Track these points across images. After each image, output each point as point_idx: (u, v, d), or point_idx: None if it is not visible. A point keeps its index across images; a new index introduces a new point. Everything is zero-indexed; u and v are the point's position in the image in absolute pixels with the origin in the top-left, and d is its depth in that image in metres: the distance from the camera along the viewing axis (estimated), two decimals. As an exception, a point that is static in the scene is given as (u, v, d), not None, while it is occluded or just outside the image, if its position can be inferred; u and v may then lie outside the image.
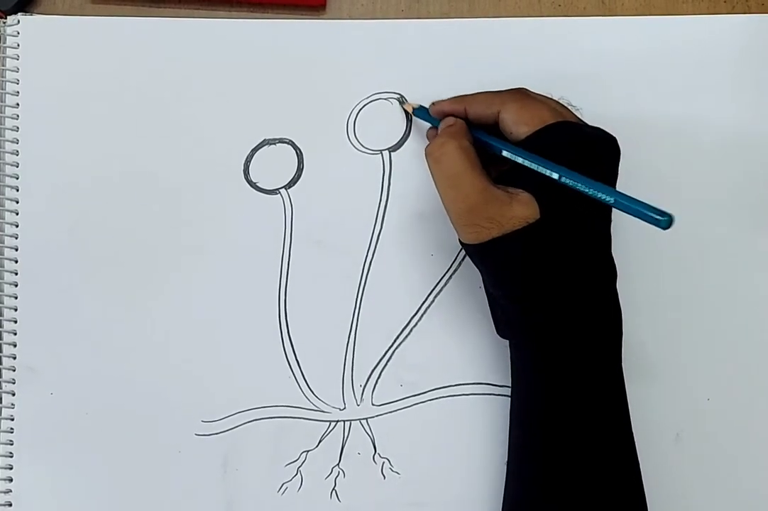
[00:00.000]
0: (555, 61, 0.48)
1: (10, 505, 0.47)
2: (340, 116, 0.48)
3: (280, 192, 0.47)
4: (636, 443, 0.43)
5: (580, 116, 0.40)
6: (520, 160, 0.38)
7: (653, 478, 0.46)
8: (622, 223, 0.47)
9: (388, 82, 0.48)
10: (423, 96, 0.47)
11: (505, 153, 0.39)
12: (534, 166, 0.37)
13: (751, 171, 0.47)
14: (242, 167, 0.47)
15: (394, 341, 0.47)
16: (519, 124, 0.39)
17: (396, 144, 0.47)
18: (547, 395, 0.39)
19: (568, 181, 0.36)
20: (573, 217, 0.37)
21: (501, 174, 0.39)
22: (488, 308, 0.42)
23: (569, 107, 0.41)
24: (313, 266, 0.47)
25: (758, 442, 0.46)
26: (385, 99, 0.48)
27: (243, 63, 0.48)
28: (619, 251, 0.47)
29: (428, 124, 0.46)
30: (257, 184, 0.47)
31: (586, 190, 0.36)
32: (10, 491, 0.47)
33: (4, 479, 0.47)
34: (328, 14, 0.49)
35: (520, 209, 0.37)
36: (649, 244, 0.47)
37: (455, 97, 0.42)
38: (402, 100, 0.47)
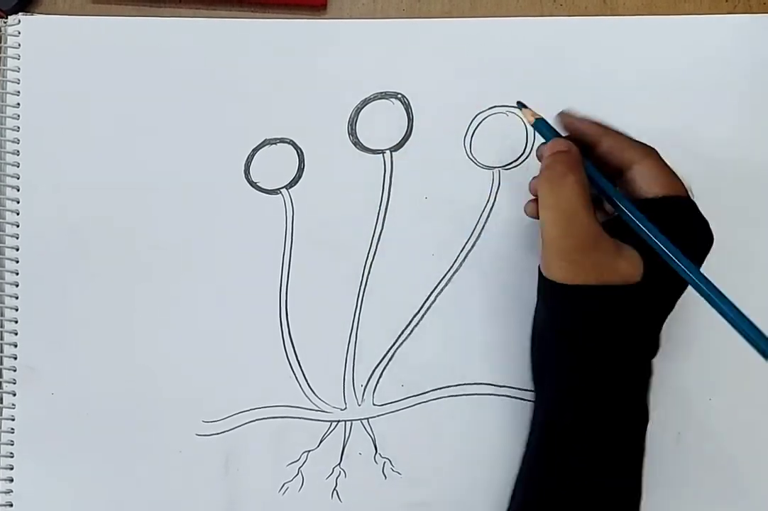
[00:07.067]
0: (556, 61, 0.47)
1: (11, 505, 0.47)
2: (341, 116, 0.48)
3: (281, 192, 0.47)
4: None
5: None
6: (634, 224, 0.36)
7: (654, 477, 0.46)
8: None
9: (389, 82, 0.48)
10: (424, 95, 0.47)
11: (621, 209, 0.37)
12: (645, 236, 0.36)
13: (752, 170, 0.47)
14: (243, 167, 0.47)
15: (395, 340, 0.47)
16: (654, 184, 0.37)
17: (397, 144, 0.47)
18: (570, 445, 0.39)
19: (679, 267, 0.35)
20: (666, 292, 0.37)
21: (607, 222, 0.38)
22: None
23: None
24: (314, 265, 0.47)
25: (760, 442, 0.46)
26: (387, 99, 0.48)
27: (244, 63, 0.48)
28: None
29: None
30: (258, 184, 0.47)
31: (695, 285, 0.34)
32: (11, 491, 0.47)
33: (5, 480, 0.47)
34: (329, 14, 0.49)
35: (625, 266, 0.36)
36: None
37: (594, 121, 0.40)
38: (522, 106, 0.42)
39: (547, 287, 0.38)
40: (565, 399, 0.39)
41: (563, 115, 0.41)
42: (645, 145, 0.40)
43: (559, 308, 0.39)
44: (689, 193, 0.39)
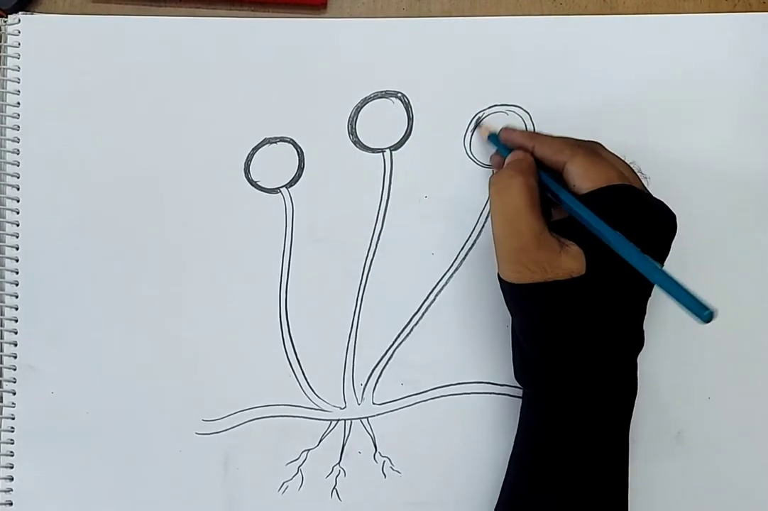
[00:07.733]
0: (556, 59, 0.47)
1: (11, 504, 0.47)
2: (341, 115, 0.48)
3: (281, 191, 0.47)
4: (638, 442, 0.43)
5: (646, 185, 0.40)
6: (581, 220, 0.37)
7: (655, 476, 0.46)
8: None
9: (389, 81, 0.47)
10: (424, 94, 0.47)
11: (567, 206, 0.38)
12: (591, 228, 0.37)
13: (752, 169, 0.47)
14: (243, 166, 0.47)
15: (395, 339, 0.47)
16: (584, 179, 0.39)
17: (397, 143, 0.47)
18: (550, 446, 0.39)
19: (620, 251, 0.36)
20: (615, 281, 0.37)
21: (556, 221, 0.40)
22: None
23: (639, 174, 0.41)
24: (314, 264, 0.47)
25: (759, 440, 0.46)
26: (387, 98, 0.48)
27: (244, 62, 0.48)
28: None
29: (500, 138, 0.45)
30: (258, 183, 0.47)
31: (634, 263, 0.36)
32: (11, 490, 0.47)
33: (5, 478, 0.47)
34: (329, 13, 0.49)
35: (568, 261, 0.37)
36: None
37: (527, 132, 0.44)
38: (479, 123, 0.47)
39: (504, 289, 0.40)
40: (542, 395, 0.40)
41: (503, 131, 0.44)
42: (579, 143, 0.41)
43: (516, 309, 0.40)
44: (637, 177, 0.40)
